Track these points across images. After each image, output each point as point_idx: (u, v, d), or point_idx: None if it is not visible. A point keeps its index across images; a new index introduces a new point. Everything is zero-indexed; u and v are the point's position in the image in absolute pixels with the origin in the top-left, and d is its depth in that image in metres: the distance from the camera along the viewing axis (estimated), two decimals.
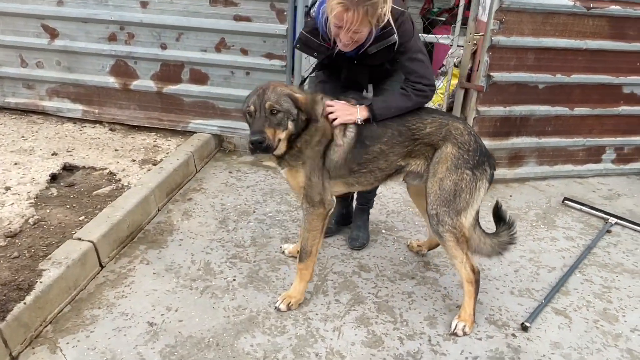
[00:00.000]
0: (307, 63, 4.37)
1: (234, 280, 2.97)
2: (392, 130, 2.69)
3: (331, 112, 2.65)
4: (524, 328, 2.74)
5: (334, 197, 2.79)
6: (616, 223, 4.00)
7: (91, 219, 3.12)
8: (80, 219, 3.16)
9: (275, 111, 2.47)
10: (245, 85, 4.42)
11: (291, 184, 2.78)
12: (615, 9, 4.23)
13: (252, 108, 2.50)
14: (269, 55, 4.32)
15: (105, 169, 3.88)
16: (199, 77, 4.51)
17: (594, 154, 4.89)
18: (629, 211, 4.29)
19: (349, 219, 3.59)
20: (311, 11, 2.78)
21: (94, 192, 3.51)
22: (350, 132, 2.68)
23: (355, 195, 3.55)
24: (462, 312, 2.70)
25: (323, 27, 2.59)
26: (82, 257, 2.76)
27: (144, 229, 3.40)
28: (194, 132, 4.67)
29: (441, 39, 4.67)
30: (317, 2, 2.69)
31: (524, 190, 4.53)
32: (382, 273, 3.16)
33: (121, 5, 4.33)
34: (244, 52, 4.35)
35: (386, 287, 3.02)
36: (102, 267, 2.95)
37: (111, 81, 4.62)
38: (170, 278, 2.94)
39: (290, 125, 2.53)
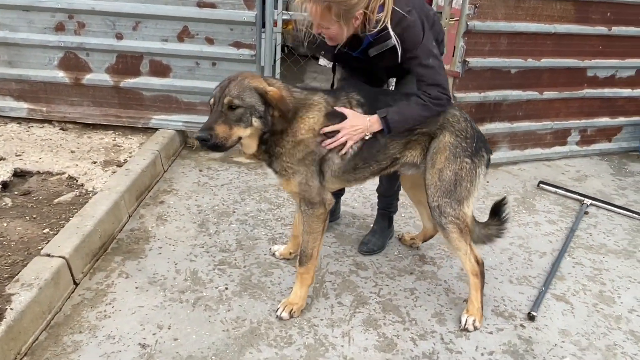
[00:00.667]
0: (271, 53, 4.16)
1: (226, 289, 2.74)
2: None
3: (336, 137, 2.41)
4: (531, 317, 2.70)
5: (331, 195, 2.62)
6: (591, 204, 4.08)
7: (57, 231, 2.78)
8: (44, 231, 2.81)
9: (234, 106, 2.22)
10: (211, 77, 4.13)
11: (285, 189, 2.58)
12: None
13: (212, 101, 2.29)
14: (237, 44, 4.05)
15: (64, 173, 3.50)
16: (160, 69, 4.17)
17: (561, 137, 4.98)
18: (599, 191, 4.40)
19: (337, 214, 3.43)
20: None
21: (55, 200, 3.15)
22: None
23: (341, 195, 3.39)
24: (470, 306, 2.62)
25: None
26: (54, 276, 2.43)
27: (116, 238, 3.08)
28: (157, 129, 4.33)
29: None
30: None
31: (499, 175, 4.54)
32: (379, 270, 3.02)
33: None
34: (210, 41, 4.06)
35: (387, 285, 2.89)
36: (76, 284, 2.63)
37: (60, 76, 4.18)
38: (156, 291, 2.66)
39: (255, 122, 2.28)
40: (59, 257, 2.54)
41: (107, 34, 4.05)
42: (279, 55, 4.27)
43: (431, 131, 2.56)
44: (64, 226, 2.82)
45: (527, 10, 4.20)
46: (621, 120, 5.16)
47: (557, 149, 5.00)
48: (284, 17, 4.15)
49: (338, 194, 3.33)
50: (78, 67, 4.16)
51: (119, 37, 4.06)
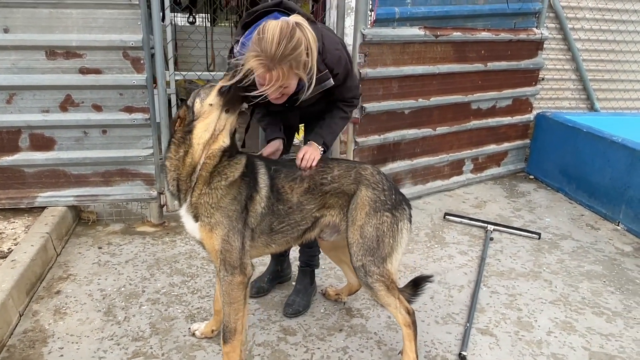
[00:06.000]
0: (166, 115, 3.98)
1: None
2: (301, 176, 2.52)
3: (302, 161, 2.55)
4: (463, 358, 2.73)
5: (252, 263, 2.48)
6: (494, 229, 4.31)
7: None
8: None
9: None
10: (103, 145, 3.86)
11: (205, 245, 2.40)
12: (457, 35, 4.63)
13: None
14: (129, 109, 3.82)
15: None
16: (42, 143, 3.80)
17: (456, 167, 5.27)
18: (498, 216, 4.68)
19: (285, 275, 3.33)
20: (234, 49, 2.47)
21: None
22: (263, 181, 2.45)
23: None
24: (406, 358, 2.58)
25: None
26: None
27: (6, 345, 2.67)
28: (44, 207, 3.92)
29: None
30: (239, 43, 2.41)
31: None
32: (308, 332, 2.91)
33: None
34: (97, 108, 3.79)
35: (318, 349, 2.78)
36: None
37: None
38: None
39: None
40: None
41: None
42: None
43: (346, 188, 2.55)
44: None
45: (412, 55, 4.45)
46: (506, 145, 5.59)
47: (455, 178, 5.28)
48: (177, 77, 4.01)
49: (282, 254, 3.21)
50: None
51: None
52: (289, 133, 3.05)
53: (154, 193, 4.06)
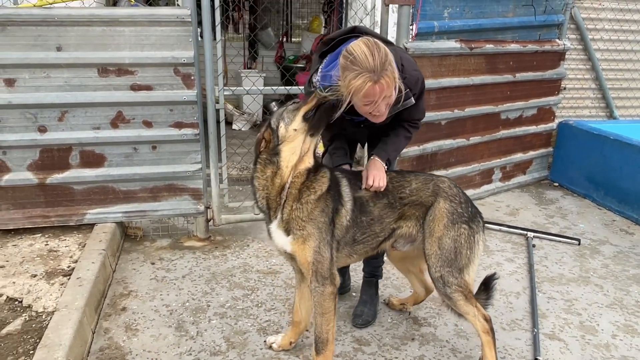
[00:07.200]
0: (214, 130, 4.02)
1: None
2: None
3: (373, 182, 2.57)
4: None
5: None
6: (534, 236, 4.39)
7: None
8: None
9: None
10: (152, 161, 3.87)
11: (298, 257, 2.43)
12: (489, 47, 4.75)
13: None
14: (179, 125, 3.84)
15: (0, 295, 2.99)
16: (92, 160, 3.80)
17: (486, 176, 5.36)
18: (534, 223, 4.77)
19: (346, 287, 3.37)
20: (313, 79, 2.52)
21: (3, 332, 2.66)
22: (347, 195, 2.52)
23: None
24: None
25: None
26: None
27: None
28: (93, 224, 3.91)
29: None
30: (322, 69, 2.46)
31: None
32: (382, 342, 2.94)
33: None
34: (148, 124, 3.81)
35: (396, 358, 2.81)
36: None
37: None
38: None
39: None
40: None
41: (27, 128, 3.62)
42: (223, 132, 4.11)
43: (424, 200, 2.60)
44: None
45: (448, 67, 4.55)
46: (531, 154, 5.70)
47: (485, 187, 5.37)
48: (226, 92, 4.04)
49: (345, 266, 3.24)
50: None
51: (43, 130, 3.65)
52: (353, 147, 3.11)
53: (201, 208, 4.07)
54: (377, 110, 2.32)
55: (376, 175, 2.58)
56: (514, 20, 4.93)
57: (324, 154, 2.96)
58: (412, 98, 2.56)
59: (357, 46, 2.23)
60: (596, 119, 6.20)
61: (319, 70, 2.52)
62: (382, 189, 2.56)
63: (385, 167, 2.68)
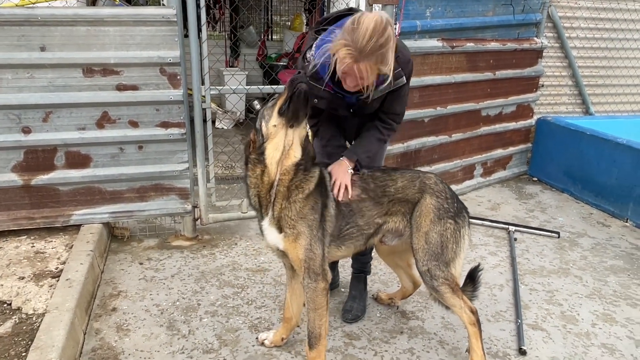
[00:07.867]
0: (201, 129, 4.03)
1: None
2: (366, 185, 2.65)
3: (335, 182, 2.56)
4: (523, 352, 2.88)
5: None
6: (515, 230, 4.51)
7: None
8: None
9: None
10: (139, 161, 3.86)
11: (289, 254, 2.48)
12: (470, 45, 4.85)
13: None
14: (165, 125, 3.84)
15: None
16: (78, 160, 3.77)
17: (468, 172, 5.48)
18: (515, 217, 4.89)
19: (334, 282, 3.39)
20: (307, 54, 2.54)
21: None
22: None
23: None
24: (474, 355, 2.70)
25: (325, 69, 2.40)
26: None
27: None
28: (79, 225, 3.89)
29: None
30: (314, 45, 2.49)
31: None
32: (372, 336, 3.01)
33: None
34: (134, 124, 3.79)
35: (386, 351, 2.88)
36: None
37: None
38: None
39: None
40: None
41: (11, 129, 3.57)
42: (210, 131, 4.12)
43: (410, 197, 2.67)
44: None
45: (431, 65, 4.63)
46: (511, 149, 5.84)
47: (467, 182, 5.48)
48: (212, 92, 4.05)
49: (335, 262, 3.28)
50: None
51: (27, 131, 3.61)
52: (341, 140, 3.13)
53: (189, 207, 4.07)
54: (349, 83, 2.38)
55: (342, 180, 2.56)
56: (493, 19, 5.03)
57: (313, 137, 2.97)
58: (404, 77, 2.56)
59: (367, 21, 2.19)
60: (573, 115, 6.38)
61: (313, 47, 2.53)
62: (345, 201, 2.56)
63: (352, 170, 2.63)
